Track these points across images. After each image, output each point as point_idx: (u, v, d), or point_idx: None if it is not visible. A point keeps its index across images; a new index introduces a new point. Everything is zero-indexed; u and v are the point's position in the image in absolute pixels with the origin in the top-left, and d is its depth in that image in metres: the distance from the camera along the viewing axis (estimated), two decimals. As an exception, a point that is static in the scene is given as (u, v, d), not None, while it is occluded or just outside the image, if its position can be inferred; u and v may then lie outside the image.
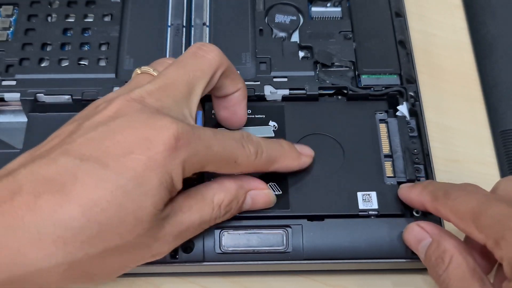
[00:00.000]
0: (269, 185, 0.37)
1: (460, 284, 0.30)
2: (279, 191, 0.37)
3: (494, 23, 0.48)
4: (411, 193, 0.35)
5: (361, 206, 0.37)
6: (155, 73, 0.35)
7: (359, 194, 0.37)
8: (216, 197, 0.33)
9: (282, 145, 0.36)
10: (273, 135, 0.40)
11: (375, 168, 0.38)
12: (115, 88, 0.41)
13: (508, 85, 0.46)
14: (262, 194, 0.35)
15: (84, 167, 0.28)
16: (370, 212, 0.37)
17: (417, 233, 0.34)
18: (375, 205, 0.37)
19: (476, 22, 0.49)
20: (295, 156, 0.36)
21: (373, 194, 0.37)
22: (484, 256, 0.32)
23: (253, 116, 0.40)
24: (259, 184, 0.35)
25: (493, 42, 0.48)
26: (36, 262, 0.28)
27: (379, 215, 0.37)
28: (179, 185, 0.31)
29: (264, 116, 0.40)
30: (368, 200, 0.37)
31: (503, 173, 0.43)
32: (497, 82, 0.46)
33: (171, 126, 0.30)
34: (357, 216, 0.37)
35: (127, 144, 0.29)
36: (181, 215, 0.32)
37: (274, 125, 0.40)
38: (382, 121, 0.41)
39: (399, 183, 0.38)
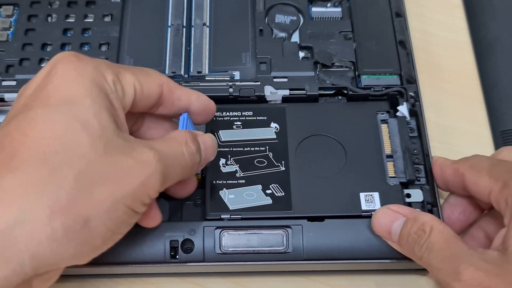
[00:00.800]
0: (271, 186, 0.38)
1: (445, 246, 0.32)
2: (282, 193, 0.37)
3: (494, 23, 0.48)
4: (440, 158, 0.38)
5: (364, 207, 0.37)
6: None
7: (362, 195, 0.37)
8: (178, 135, 0.33)
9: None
10: (274, 136, 0.40)
11: (378, 169, 0.38)
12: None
13: (508, 85, 0.46)
14: (207, 137, 0.35)
15: (18, 118, 0.30)
16: (373, 213, 0.37)
17: (390, 215, 0.35)
18: (378, 206, 0.37)
19: (477, 22, 0.49)
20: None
21: (376, 195, 0.37)
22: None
23: (255, 118, 0.40)
24: (200, 132, 0.36)
25: (493, 42, 0.48)
26: (14, 215, 0.27)
27: None
28: (113, 90, 0.31)
29: (266, 118, 0.40)
30: (371, 201, 0.37)
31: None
32: (497, 82, 0.46)
33: (69, 53, 0.32)
34: (360, 217, 0.37)
35: (42, 84, 0.31)
36: (150, 143, 0.31)
37: (275, 127, 0.40)
38: (383, 121, 0.41)
39: (401, 183, 0.38)
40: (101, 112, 0.30)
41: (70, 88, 0.30)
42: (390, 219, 0.35)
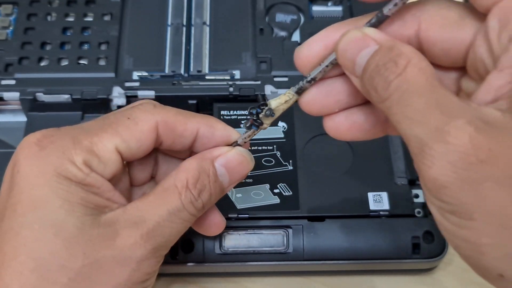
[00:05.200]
0: (279, 186, 0.37)
1: (427, 90, 0.22)
2: (289, 192, 0.37)
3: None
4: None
5: (372, 206, 0.37)
6: None
7: (370, 194, 0.37)
8: (177, 181, 0.29)
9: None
10: (282, 135, 0.40)
11: (385, 168, 0.38)
12: (115, 87, 0.41)
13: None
14: (233, 156, 0.30)
15: None
16: (381, 213, 0.37)
17: (359, 41, 0.25)
18: (386, 206, 0.37)
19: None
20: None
21: (384, 195, 0.37)
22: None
23: None
24: (223, 149, 0.30)
25: None
26: None
27: (390, 215, 0.37)
28: (87, 172, 0.27)
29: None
30: (379, 201, 0.37)
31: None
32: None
33: (30, 142, 0.28)
34: (368, 216, 0.37)
35: (9, 186, 0.28)
36: (139, 212, 0.28)
37: (283, 126, 0.40)
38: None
39: (409, 181, 0.38)
40: (73, 208, 0.27)
41: (34, 190, 0.27)
42: (358, 46, 0.25)
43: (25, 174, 0.27)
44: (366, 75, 0.24)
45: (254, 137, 0.39)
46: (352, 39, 0.25)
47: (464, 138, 0.21)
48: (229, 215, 0.36)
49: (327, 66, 0.27)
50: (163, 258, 0.29)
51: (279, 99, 0.29)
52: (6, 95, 0.41)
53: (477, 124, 0.21)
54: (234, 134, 0.31)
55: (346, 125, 0.28)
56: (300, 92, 0.28)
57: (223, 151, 0.30)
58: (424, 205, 0.37)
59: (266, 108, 0.29)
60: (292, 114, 0.40)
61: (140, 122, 0.29)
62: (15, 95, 0.41)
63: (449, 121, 0.21)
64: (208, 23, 0.45)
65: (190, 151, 0.32)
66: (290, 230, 0.36)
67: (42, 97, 0.41)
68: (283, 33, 0.45)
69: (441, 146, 0.21)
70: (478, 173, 0.21)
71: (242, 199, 0.37)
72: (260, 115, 0.29)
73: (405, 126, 0.23)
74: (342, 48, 0.25)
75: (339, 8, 0.46)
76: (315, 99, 0.28)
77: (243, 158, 0.31)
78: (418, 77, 0.23)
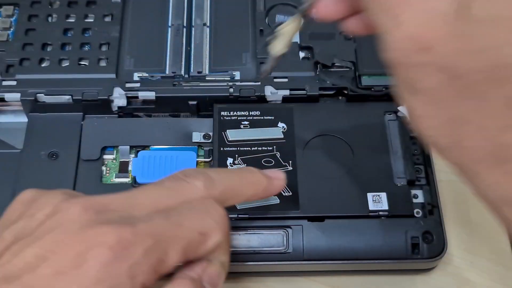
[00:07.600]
0: None
1: None
2: (289, 193, 0.37)
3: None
4: None
5: (371, 207, 0.37)
6: None
7: (369, 195, 0.37)
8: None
9: (243, 172, 0.33)
10: (282, 136, 0.40)
11: (385, 169, 0.38)
12: (115, 88, 0.41)
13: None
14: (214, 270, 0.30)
15: None
16: (381, 213, 0.37)
17: None
18: (385, 206, 0.37)
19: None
20: (261, 180, 0.32)
21: (383, 195, 0.37)
22: None
23: (262, 117, 0.40)
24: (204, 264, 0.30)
25: None
26: None
27: (389, 216, 0.37)
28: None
29: (273, 118, 0.40)
30: (378, 201, 0.37)
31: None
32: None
33: (109, 232, 0.25)
34: (368, 217, 0.37)
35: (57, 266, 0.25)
36: None
37: (283, 127, 0.40)
38: (391, 121, 0.41)
39: (409, 181, 0.38)
40: None
41: None
42: None
43: None
44: None
45: (253, 137, 0.39)
46: None
47: (409, 30, 0.25)
48: (229, 215, 0.36)
49: None
50: None
51: (288, 23, 0.34)
52: (7, 96, 0.41)
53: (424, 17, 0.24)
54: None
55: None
56: (303, 13, 0.33)
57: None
58: (423, 206, 0.37)
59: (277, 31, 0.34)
60: (291, 115, 0.41)
61: None
62: (16, 96, 0.41)
63: (401, 12, 0.25)
64: (208, 24, 0.45)
65: None
66: (290, 230, 0.36)
67: (43, 98, 0.41)
68: (283, 34, 0.45)
69: (396, 30, 0.25)
70: (423, 59, 0.25)
71: None
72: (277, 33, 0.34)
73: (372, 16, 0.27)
74: None
75: (338, 9, 0.46)
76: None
77: (222, 270, 0.30)
78: None
